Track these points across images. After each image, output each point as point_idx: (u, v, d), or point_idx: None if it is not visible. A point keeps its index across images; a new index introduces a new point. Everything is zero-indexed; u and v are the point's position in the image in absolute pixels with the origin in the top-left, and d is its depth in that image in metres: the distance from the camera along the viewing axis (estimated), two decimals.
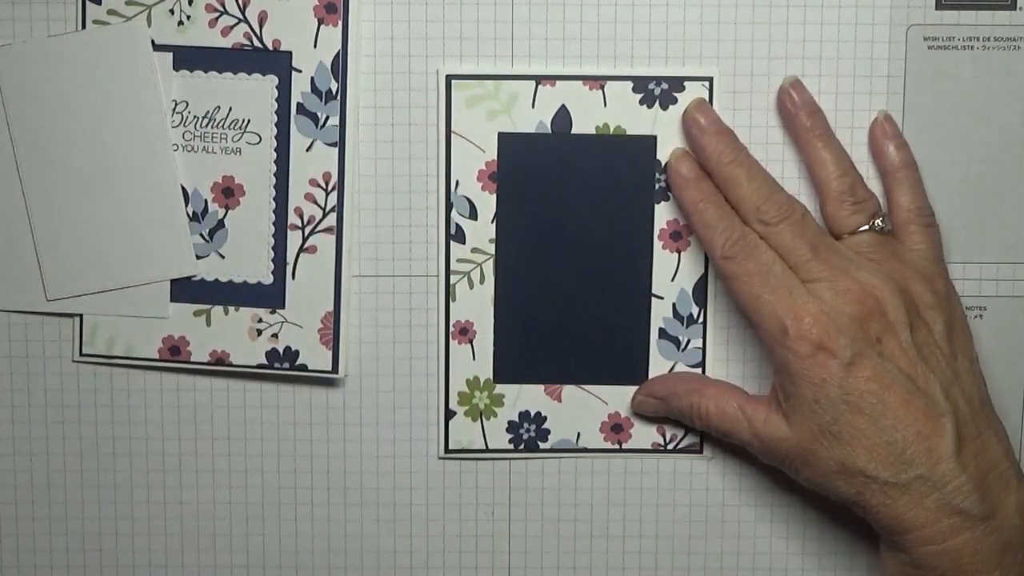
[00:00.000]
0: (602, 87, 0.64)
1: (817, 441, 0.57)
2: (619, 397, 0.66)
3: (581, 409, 0.66)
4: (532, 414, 0.67)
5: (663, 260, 0.65)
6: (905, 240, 0.62)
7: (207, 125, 0.64)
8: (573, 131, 0.64)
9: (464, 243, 0.65)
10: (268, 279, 0.65)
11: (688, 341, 0.66)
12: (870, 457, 0.56)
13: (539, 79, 0.64)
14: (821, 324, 0.57)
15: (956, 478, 0.56)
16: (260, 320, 0.65)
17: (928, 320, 0.59)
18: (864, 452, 0.56)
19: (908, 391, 0.56)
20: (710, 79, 0.64)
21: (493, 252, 0.65)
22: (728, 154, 0.61)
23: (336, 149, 0.64)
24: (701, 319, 0.66)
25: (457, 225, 0.65)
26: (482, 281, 0.66)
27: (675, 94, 0.64)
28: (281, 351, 0.65)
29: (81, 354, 0.66)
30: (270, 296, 0.65)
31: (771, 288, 0.58)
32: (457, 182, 0.65)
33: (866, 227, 0.60)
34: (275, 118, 0.64)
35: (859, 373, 0.56)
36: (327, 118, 0.64)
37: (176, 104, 0.64)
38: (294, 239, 0.65)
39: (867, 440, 0.56)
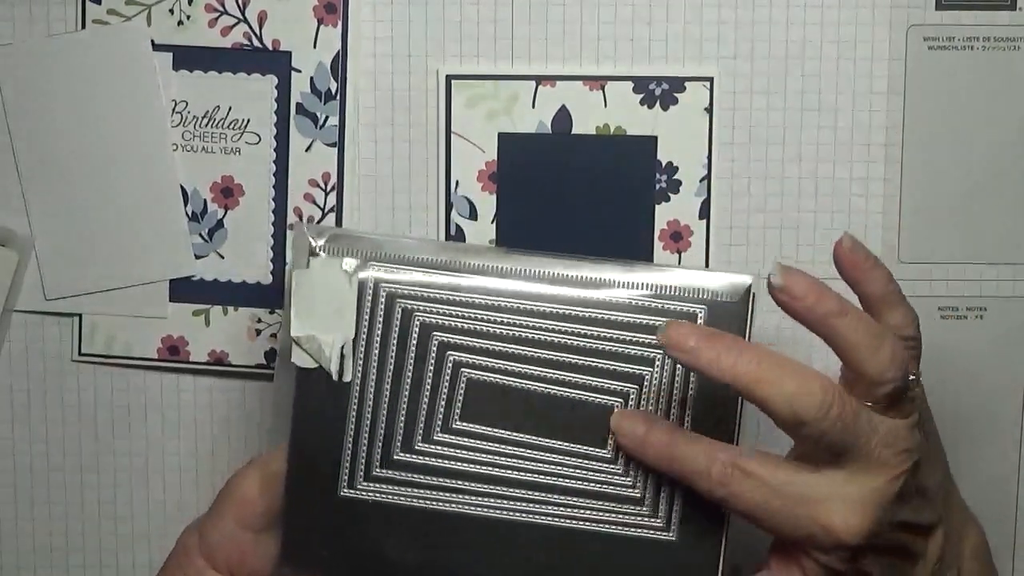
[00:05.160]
0: (602, 87, 0.64)
1: None
2: None
3: None
4: None
5: (663, 260, 0.65)
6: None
7: (207, 125, 0.64)
8: (573, 131, 0.64)
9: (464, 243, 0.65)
10: (267, 279, 0.65)
11: None
12: None
13: (539, 79, 0.64)
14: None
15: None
16: (259, 320, 0.65)
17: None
18: None
19: None
20: (710, 79, 0.64)
21: None
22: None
23: (336, 149, 0.64)
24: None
25: (457, 225, 0.65)
26: None
27: (675, 94, 0.64)
28: None
29: (80, 353, 0.66)
30: (269, 296, 0.65)
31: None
32: (457, 182, 0.65)
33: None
34: (274, 118, 0.64)
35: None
36: (327, 118, 0.64)
37: (176, 104, 0.64)
38: None
39: None
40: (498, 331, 0.54)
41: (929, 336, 0.65)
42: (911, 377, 0.51)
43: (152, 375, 0.67)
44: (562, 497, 0.55)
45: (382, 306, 0.55)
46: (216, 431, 0.67)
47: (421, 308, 0.55)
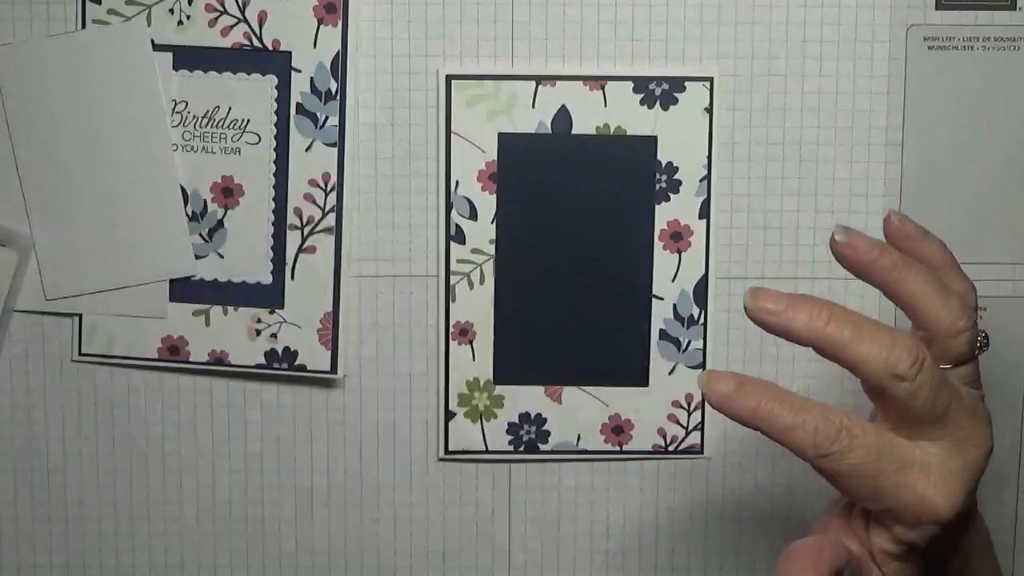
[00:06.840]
0: (602, 87, 0.64)
1: None
2: (620, 398, 0.66)
3: (581, 410, 0.66)
4: (532, 415, 0.66)
5: (663, 261, 0.65)
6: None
7: (207, 125, 0.64)
8: (573, 131, 0.64)
9: (464, 243, 0.65)
10: (267, 279, 0.65)
11: (689, 342, 0.66)
12: None
13: (539, 79, 0.64)
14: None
15: None
16: (259, 320, 0.65)
17: None
18: None
19: None
20: (710, 79, 0.64)
21: (493, 253, 0.65)
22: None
23: (335, 149, 0.64)
24: (702, 320, 0.65)
25: (457, 225, 0.65)
26: (482, 282, 0.65)
27: (675, 94, 0.64)
28: (280, 351, 0.65)
29: (80, 354, 0.66)
30: (269, 296, 0.65)
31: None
32: (457, 182, 0.65)
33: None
34: (274, 118, 0.64)
35: None
36: (326, 118, 0.64)
37: (176, 104, 0.64)
38: (293, 239, 0.65)
39: None
40: None
41: None
42: (981, 333, 0.50)
43: (152, 375, 0.67)
44: None
45: None
46: (216, 431, 0.67)
47: None
